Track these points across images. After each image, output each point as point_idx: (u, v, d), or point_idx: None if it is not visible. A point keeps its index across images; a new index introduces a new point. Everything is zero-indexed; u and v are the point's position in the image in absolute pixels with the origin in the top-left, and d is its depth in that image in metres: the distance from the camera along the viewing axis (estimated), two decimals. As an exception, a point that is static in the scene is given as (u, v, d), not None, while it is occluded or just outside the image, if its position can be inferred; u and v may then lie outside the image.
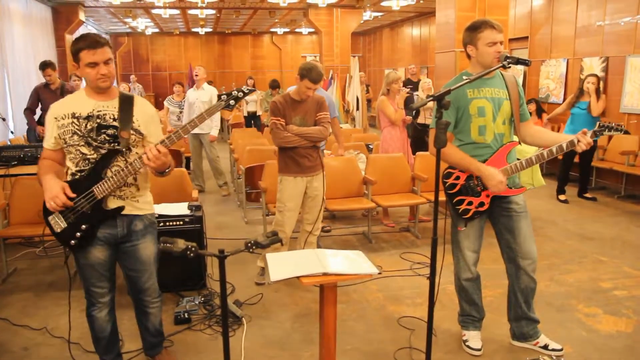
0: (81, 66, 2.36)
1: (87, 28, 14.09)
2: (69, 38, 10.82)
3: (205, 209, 4.07)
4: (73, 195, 2.37)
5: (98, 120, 2.41)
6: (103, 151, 2.41)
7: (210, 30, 18.02)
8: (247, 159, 6.12)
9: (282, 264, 2.43)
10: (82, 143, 2.40)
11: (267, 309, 3.68)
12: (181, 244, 1.94)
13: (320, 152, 4.02)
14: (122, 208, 2.48)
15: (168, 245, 1.94)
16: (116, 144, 2.42)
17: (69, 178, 2.46)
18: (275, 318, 3.54)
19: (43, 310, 3.66)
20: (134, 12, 13.05)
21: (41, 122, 6.24)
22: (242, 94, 2.28)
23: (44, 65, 6.15)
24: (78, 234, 2.42)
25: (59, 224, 2.43)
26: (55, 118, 2.41)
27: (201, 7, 12.08)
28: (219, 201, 6.98)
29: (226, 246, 1.90)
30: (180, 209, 3.95)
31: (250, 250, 1.98)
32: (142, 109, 2.52)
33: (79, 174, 2.42)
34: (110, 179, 2.38)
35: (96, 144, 2.41)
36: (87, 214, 2.42)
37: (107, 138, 2.42)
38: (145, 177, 2.59)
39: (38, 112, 6.37)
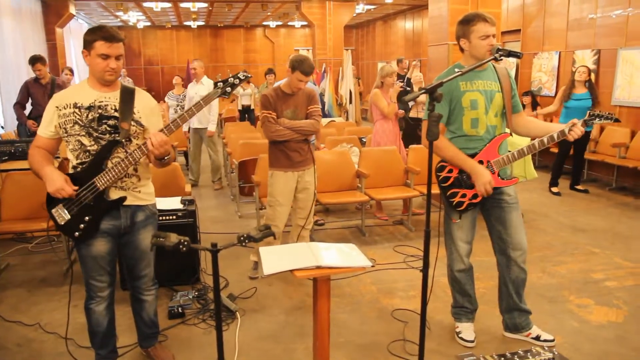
0: (92, 55, 2.37)
1: (78, 22, 13.97)
2: (60, 32, 10.71)
3: (198, 203, 4.05)
4: (75, 187, 2.38)
5: (100, 111, 2.43)
6: (103, 142, 2.43)
7: (202, 23, 17.90)
8: (240, 153, 6.10)
9: (275, 258, 2.43)
10: (83, 133, 2.42)
11: (260, 302, 3.69)
12: (174, 238, 1.93)
13: (311, 146, 4.00)
14: (124, 198, 2.51)
15: (160, 239, 1.93)
16: (116, 135, 2.44)
17: (70, 171, 2.47)
18: (269, 312, 3.54)
19: (36, 306, 3.65)
20: (125, 5, 12.92)
21: (31, 117, 6.19)
22: (237, 80, 2.31)
23: (34, 60, 6.08)
24: (82, 225, 2.44)
25: (62, 216, 2.44)
26: (57, 107, 2.42)
27: (193, 0, 11.99)
28: (212, 195, 6.97)
29: (219, 240, 1.89)
30: (173, 203, 3.94)
31: (243, 244, 1.97)
32: (144, 101, 2.56)
33: (79, 167, 2.44)
34: (111, 169, 2.40)
35: (97, 134, 2.43)
36: (90, 205, 2.44)
37: (108, 129, 2.44)
38: (146, 167, 2.61)
39: (28, 107, 6.31)
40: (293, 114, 3.83)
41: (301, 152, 3.89)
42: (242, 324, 3.35)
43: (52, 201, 2.44)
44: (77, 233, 2.45)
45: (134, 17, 15.33)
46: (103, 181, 2.41)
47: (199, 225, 3.98)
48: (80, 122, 2.41)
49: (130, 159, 2.39)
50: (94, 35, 2.35)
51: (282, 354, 3.02)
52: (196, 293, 3.69)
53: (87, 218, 2.44)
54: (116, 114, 2.44)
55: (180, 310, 3.44)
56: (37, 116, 6.17)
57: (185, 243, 1.92)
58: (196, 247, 2.02)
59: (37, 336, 3.24)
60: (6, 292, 3.91)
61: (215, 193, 7.07)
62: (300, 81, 3.75)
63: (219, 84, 2.32)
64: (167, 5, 13.02)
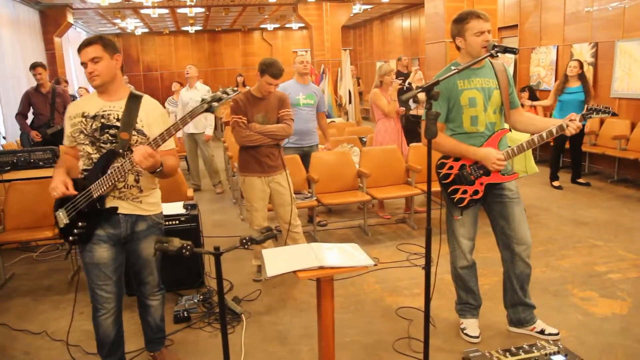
0: None
1: (76, 30, 14.01)
2: (58, 41, 10.74)
3: (201, 208, 4.07)
4: (75, 192, 2.42)
5: (102, 120, 2.47)
6: (104, 151, 2.45)
7: (200, 28, 17.93)
8: (241, 156, 6.11)
9: (278, 259, 2.44)
10: (87, 142, 2.48)
11: (265, 304, 3.70)
12: (177, 242, 1.94)
13: (282, 151, 3.97)
14: (115, 208, 2.50)
15: (164, 245, 1.95)
16: (117, 145, 2.45)
17: (80, 176, 2.53)
18: (274, 313, 3.56)
19: (42, 314, 3.67)
20: (123, 12, 12.96)
21: (33, 126, 6.22)
22: (226, 95, 2.22)
23: (34, 65, 6.11)
24: (76, 230, 2.48)
25: (62, 219, 2.51)
26: (69, 117, 2.52)
27: (190, 6, 12.03)
28: (215, 199, 6.99)
29: (223, 244, 1.91)
30: (176, 208, 3.95)
31: (246, 246, 1.99)
32: (149, 109, 2.54)
33: (83, 173, 2.50)
34: (106, 179, 2.40)
35: (99, 143, 2.47)
36: (85, 211, 2.47)
37: (110, 138, 2.47)
38: (149, 178, 2.59)
39: (30, 116, 6.34)
40: (264, 119, 3.80)
41: (272, 157, 3.85)
42: (247, 327, 3.36)
43: (57, 204, 2.52)
44: (71, 237, 2.50)
45: (131, 24, 15.37)
46: (98, 189, 2.42)
47: (201, 230, 3.99)
48: (85, 131, 2.47)
49: (121, 170, 2.37)
50: None
51: (288, 355, 3.03)
52: (201, 297, 3.70)
53: (80, 224, 2.47)
54: (117, 124, 2.46)
55: (185, 315, 3.46)
56: (39, 126, 6.20)
57: (189, 247, 1.94)
58: (199, 251, 2.04)
59: (44, 344, 3.26)
60: (12, 301, 3.93)
61: (218, 197, 7.09)
62: (270, 84, 3.73)
63: (205, 98, 2.23)
64: (165, 11, 13.06)
